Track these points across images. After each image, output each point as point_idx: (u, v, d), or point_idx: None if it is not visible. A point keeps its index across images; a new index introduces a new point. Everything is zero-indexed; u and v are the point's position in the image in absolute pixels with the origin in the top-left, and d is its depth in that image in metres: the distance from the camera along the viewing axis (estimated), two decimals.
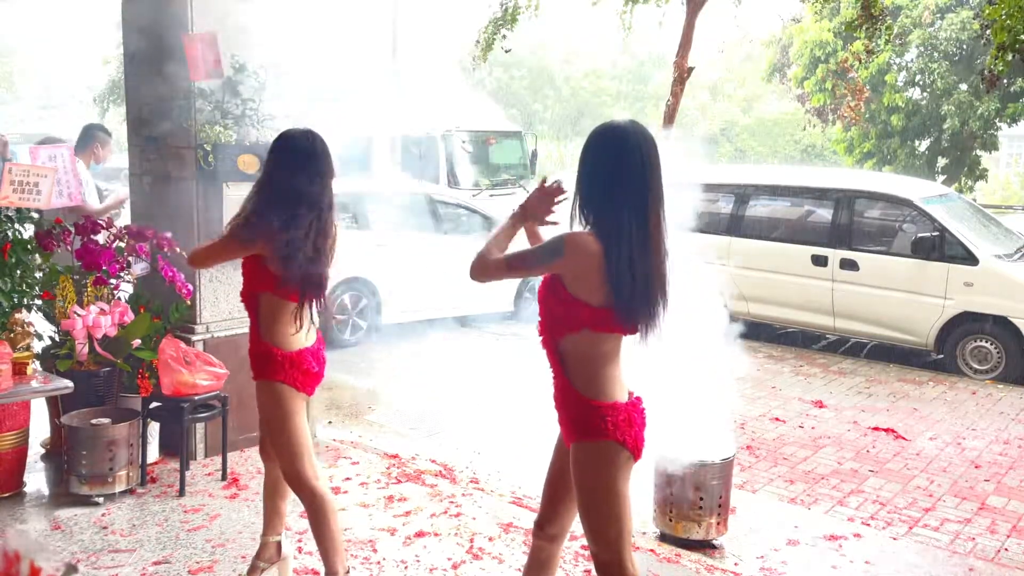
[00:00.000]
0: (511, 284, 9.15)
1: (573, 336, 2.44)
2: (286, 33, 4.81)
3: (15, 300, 4.25)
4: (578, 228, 2.44)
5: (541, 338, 2.54)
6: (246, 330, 4.53)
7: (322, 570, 3.57)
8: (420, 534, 3.99)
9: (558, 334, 2.47)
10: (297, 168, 3.01)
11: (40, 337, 4.52)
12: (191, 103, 4.55)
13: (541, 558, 2.77)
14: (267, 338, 3.07)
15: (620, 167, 2.39)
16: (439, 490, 4.53)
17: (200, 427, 4.70)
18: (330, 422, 5.68)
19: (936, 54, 13.82)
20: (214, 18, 4.57)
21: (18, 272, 4.29)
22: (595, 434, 2.44)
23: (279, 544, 3.41)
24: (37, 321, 4.54)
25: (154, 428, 4.61)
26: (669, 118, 11.32)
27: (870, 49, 13.79)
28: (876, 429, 6.04)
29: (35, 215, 4.52)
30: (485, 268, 2.52)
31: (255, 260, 3.05)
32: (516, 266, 2.49)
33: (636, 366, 2.64)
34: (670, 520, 4.02)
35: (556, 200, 2.62)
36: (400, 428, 5.72)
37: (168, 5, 4.58)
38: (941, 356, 7.86)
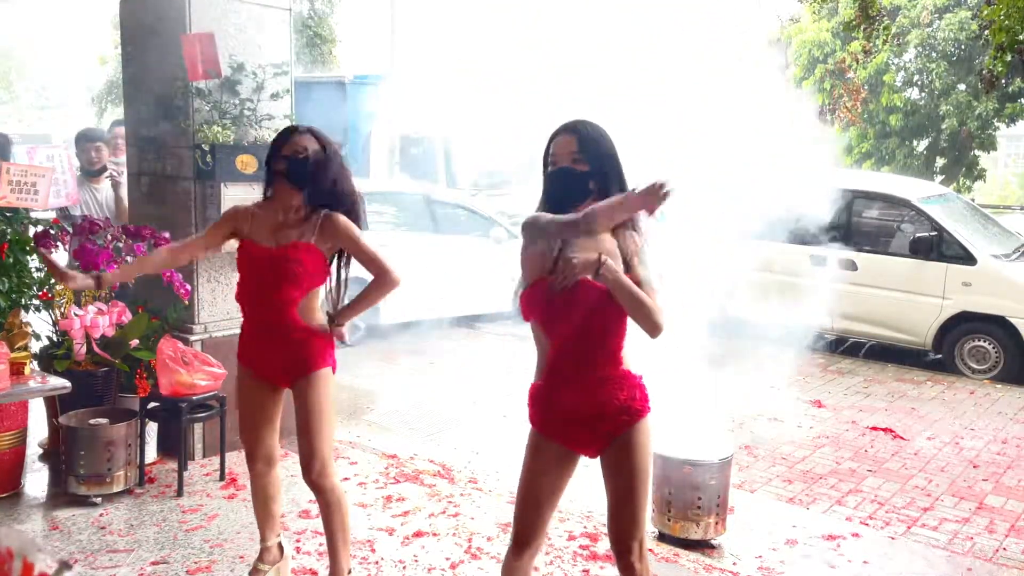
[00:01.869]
0: (510, 283, 9.14)
1: (625, 327, 2.51)
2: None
3: (13, 300, 4.24)
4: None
5: (579, 341, 2.47)
6: None
7: (320, 570, 3.58)
8: (418, 534, 3.99)
9: (621, 333, 2.49)
10: (342, 162, 3.17)
11: (38, 337, 4.51)
12: (189, 103, 4.55)
13: (524, 571, 2.70)
14: (317, 326, 3.13)
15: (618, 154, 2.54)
16: (438, 490, 4.53)
17: (198, 427, 4.70)
18: None
19: (934, 54, 13.83)
20: (212, 18, 4.57)
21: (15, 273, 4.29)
22: (647, 407, 2.54)
23: (280, 545, 3.43)
24: (35, 321, 4.53)
25: (152, 428, 4.61)
26: None
27: (868, 49, 13.80)
28: (874, 429, 6.04)
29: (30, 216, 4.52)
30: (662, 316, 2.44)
31: (320, 257, 3.10)
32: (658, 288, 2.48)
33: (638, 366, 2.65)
34: (668, 520, 4.02)
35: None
36: (399, 428, 5.72)
37: (166, 5, 4.58)
38: (939, 356, 7.86)
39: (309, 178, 3.05)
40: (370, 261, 3.12)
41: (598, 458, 2.59)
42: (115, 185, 5.01)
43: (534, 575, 2.84)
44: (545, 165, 2.57)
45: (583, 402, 2.50)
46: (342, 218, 3.10)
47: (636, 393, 2.51)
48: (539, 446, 2.61)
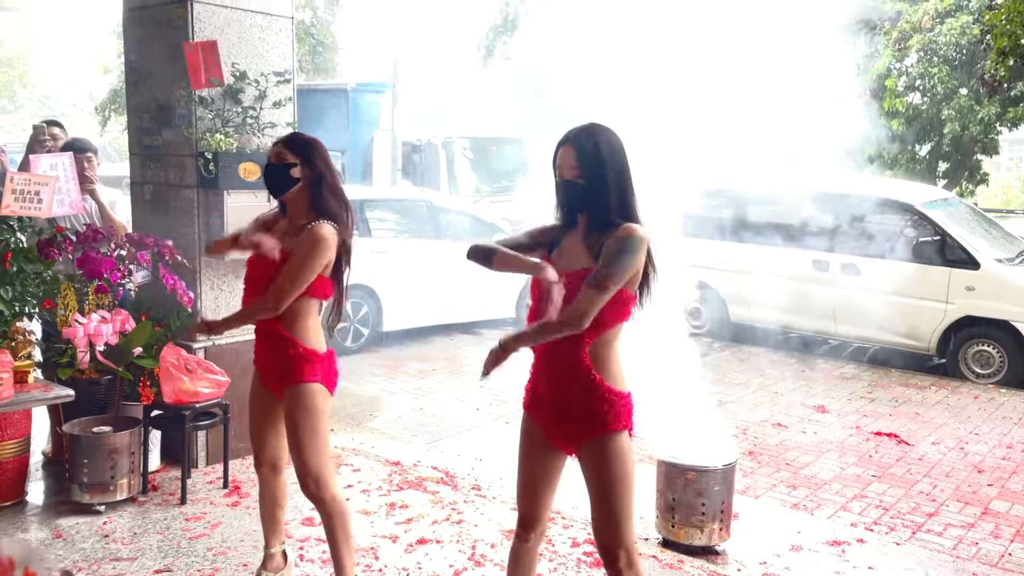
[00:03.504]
0: (513, 289, 9.16)
1: (609, 332, 2.50)
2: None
3: (16, 309, 4.25)
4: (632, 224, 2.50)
5: (556, 339, 2.48)
6: (247, 338, 4.54)
7: None
8: (422, 541, 3.99)
9: (595, 335, 2.48)
10: (331, 162, 3.16)
11: (41, 346, 4.52)
12: (192, 111, 4.56)
13: (531, 555, 2.79)
14: (304, 340, 3.10)
15: (627, 160, 2.54)
16: (441, 497, 4.52)
17: (201, 435, 4.70)
18: (332, 429, 5.67)
19: (936, 59, 13.80)
20: (215, 27, 4.59)
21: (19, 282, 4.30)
22: (624, 422, 2.52)
23: (284, 552, 3.43)
24: (38, 330, 4.54)
25: (155, 436, 4.61)
26: None
27: (869, 54, 13.79)
28: (879, 434, 6.02)
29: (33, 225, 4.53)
30: (588, 311, 2.39)
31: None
32: (611, 286, 2.40)
33: (640, 370, 2.65)
34: (672, 526, 4.01)
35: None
36: (402, 435, 5.71)
37: (169, 14, 4.60)
38: (943, 360, 7.84)
39: (285, 178, 3.05)
40: (283, 276, 2.97)
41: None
42: (91, 193, 5.02)
43: None
44: (554, 173, 2.61)
45: (552, 392, 2.58)
46: (320, 226, 3.01)
47: (604, 406, 2.49)
48: (528, 429, 2.71)
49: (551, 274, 2.41)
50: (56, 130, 5.51)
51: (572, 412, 2.54)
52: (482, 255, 2.61)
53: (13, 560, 1.07)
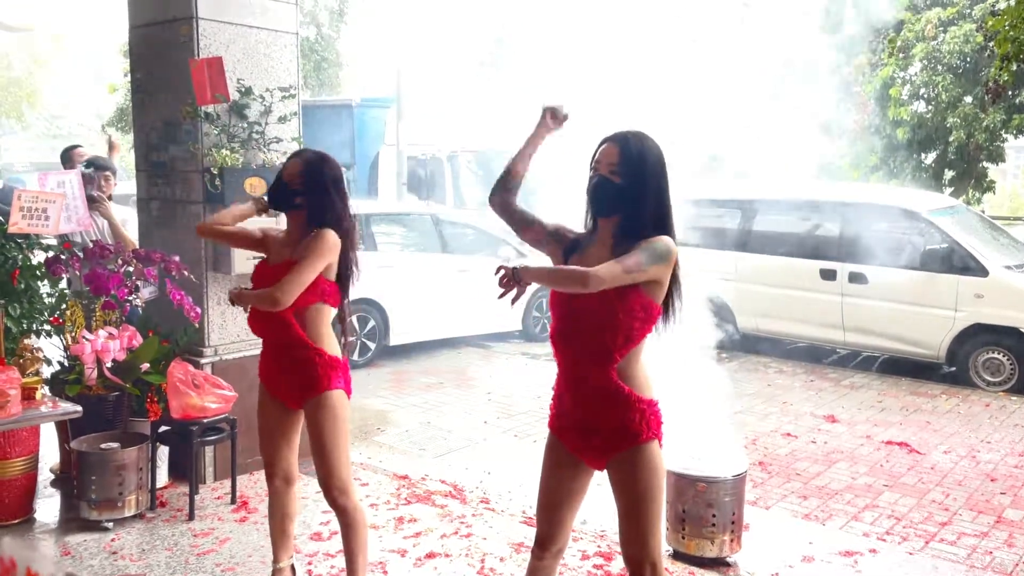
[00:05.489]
0: (519, 302, 9.14)
1: (637, 345, 2.47)
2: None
3: (24, 326, 4.26)
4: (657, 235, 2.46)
5: (584, 357, 2.47)
6: (254, 352, 4.54)
7: None
8: (430, 555, 3.96)
9: (625, 352, 2.45)
10: (342, 187, 3.20)
11: (49, 362, 4.53)
12: (198, 127, 4.59)
13: (547, 573, 2.75)
14: (327, 348, 3.12)
15: (667, 174, 2.52)
16: (449, 511, 4.50)
17: (209, 450, 4.69)
18: None
19: (940, 67, 13.80)
20: (220, 43, 4.62)
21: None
22: (655, 431, 2.50)
23: (293, 567, 3.42)
24: (45, 346, 4.55)
25: (163, 452, 4.61)
26: None
27: (873, 63, 13.81)
28: (889, 443, 5.98)
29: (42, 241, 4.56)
30: (603, 279, 2.33)
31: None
32: (632, 267, 2.35)
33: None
34: (683, 538, 3.98)
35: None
36: (409, 449, 5.70)
37: (175, 31, 4.63)
38: (953, 368, 7.80)
39: (287, 201, 3.12)
40: (289, 273, 3.00)
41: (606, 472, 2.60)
42: (102, 210, 5.06)
43: None
44: (590, 169, 2.57)
45: (579, 409, 2.54)
46: (324, 233, 3.06)
47: (636, 416, 2.46)
48: (552, 445, 2.67)
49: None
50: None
51: (602, 427, 2.49)
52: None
53: (15, 560, 1.06)
